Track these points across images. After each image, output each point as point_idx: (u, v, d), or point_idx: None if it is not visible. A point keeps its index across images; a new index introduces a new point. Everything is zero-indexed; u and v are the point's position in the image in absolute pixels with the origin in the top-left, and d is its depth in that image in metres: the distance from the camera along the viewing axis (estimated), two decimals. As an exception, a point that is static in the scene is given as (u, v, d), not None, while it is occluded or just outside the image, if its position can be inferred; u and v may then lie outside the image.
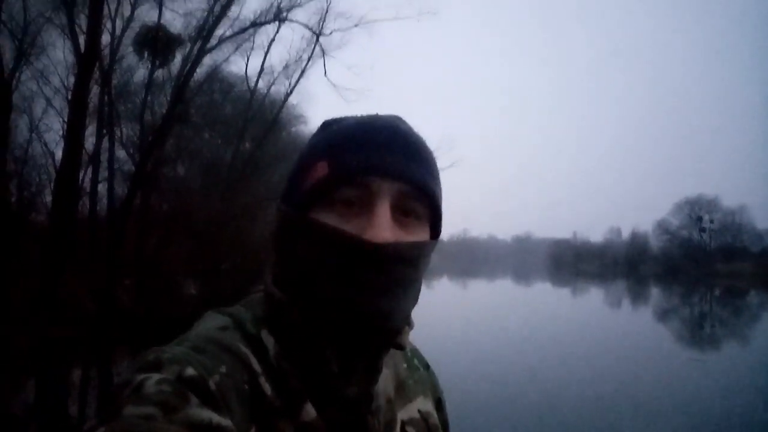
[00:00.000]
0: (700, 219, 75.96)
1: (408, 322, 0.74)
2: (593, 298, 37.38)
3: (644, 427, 7.29)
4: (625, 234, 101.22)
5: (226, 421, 0.54)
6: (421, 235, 0.72)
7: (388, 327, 0.68)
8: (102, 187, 18.30)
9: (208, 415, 0.53)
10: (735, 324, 23.03)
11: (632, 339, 16.04)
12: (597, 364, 11.63)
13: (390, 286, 0.66)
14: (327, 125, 0.76)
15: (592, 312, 26.40)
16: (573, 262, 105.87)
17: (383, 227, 0.65)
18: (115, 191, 18.01)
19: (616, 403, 8.47)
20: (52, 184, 15.15)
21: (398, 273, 0.67)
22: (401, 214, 0.69)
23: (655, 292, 43.83)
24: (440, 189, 0.75)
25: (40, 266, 12.05)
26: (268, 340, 0.68)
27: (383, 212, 0.66)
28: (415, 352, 0.92)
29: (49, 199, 15.55)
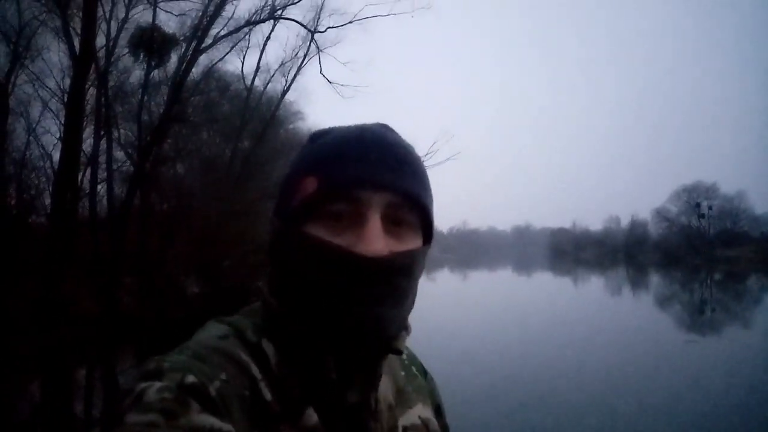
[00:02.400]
0: (698, 206, 75.80)
1: (405, 327, 0.75)
2: (593, 286, 37.40)
3: (643, 412, 7.33)
4: (624, 222, 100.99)
5: (227, 427, 0.56)
6: (414, 242, 0.72)
7: (384, 338, 0.69)
8: (101, 188, 18.32)
9: (209, 421, 0.55)
10: (735, 308, 23.10)
11: (633, 325, 16.08)
12: (597, 351, 11.68)
13: (385, 297, 0.67)
14: (314, 138, 0.76)
15: (592, 300, 26.45)
16: (573, 251, 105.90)
17: (375, 239, 0.65)
18: (114, 192, 17.98)
19: (616, 389, 8.51)
20: (51, 186, 15.17)
21: (393, 284, 0.67)
22: (392, 223, 0.69)
23: (655, 279, 43.85)
24: (431, 196, 0.75)
25: (41, 268, 12.07)
26: (269, 347, 0.69)
27: (374, 224, 0.66)
28: (413, 360, 0.92)
29: (48, 201, 15.57)
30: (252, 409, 0.62)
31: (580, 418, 7.12)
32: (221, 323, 0.73)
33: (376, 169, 0.68)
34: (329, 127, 0.77)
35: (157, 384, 0.56)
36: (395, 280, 0.68)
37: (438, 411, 0.90)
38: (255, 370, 0.65)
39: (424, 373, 0.93)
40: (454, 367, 9.69)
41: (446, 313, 18.72)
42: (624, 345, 12.72)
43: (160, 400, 0.55)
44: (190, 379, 0.58)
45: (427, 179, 0.75)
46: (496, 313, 19.72)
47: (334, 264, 0.65)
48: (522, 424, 6.92)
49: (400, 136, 0.76)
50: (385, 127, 0.76)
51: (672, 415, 7.32)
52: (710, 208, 75.32)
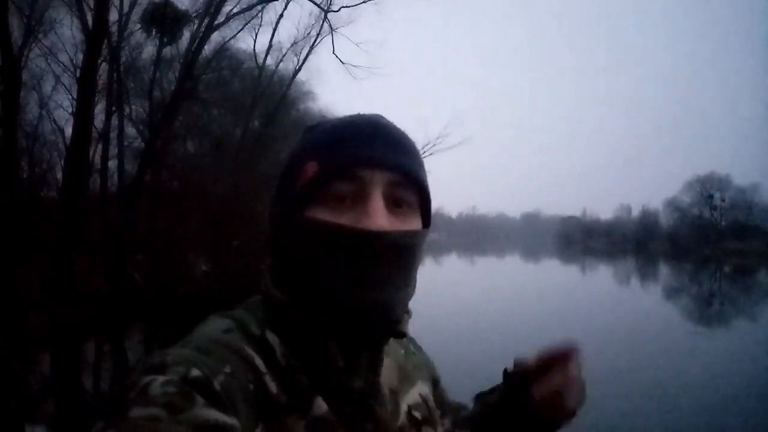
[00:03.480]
0: (711, 197, 75.34)
1: (407, 309, 0.75)
2: (602, 275, 37.33)
3: (647, 401, 7.32)
4: (635, 212, 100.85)
5: (231, 420, 0.55)
6: (415, 224, 0.73)
7: (390, 317, 0.69)
8: (112, 164, 18.41)
9: (213, 414, 0.54)
10: (744, 302, 22.96)
11: (640, 316, 16.04)
12: (604, 341, 11.66)
13: (390, 274, 0.67)
14: (310, 129, 0.77)
15: (600, 289, 26.39)
16: (582, 240, 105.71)
17: (378, 215, 0.66)
18: (125, 168, 18.10)
19: (620, 379, 8.51)
20: (63, 161, 15.23)
21: (396, 261, 0.67)
22: (393, 204, 0.70)
23: (664, 269, 43.70)
24: (427, 179, 0.76)
25: (52, 243, 12.15)
26: (273, 339, 0.69)
27: (377, 201, 0.67)
28: (410, 339, 0.93)
29: (59, 175, 15.66)
30: (257, 403, 0.62)
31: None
32: (224, 317, 0.72)
33: (374, 148, 0.69)
34: (326, 118, 0.80)
35: (161, 378, 0.56)
36: (400, 258, 0.68)
37: (435, 383, 0.93)
38: (259, 363, 0.65)
39: (419, 349, 0.96)
40: (458, 352, 9.72)
41: (452, 298, 18.76)
42: (630, 335, 12.68)
43: (164, 393, 0.54)
44: (194, 372, 0.57)
45: (423, 162, 0.76)
46: (501, 300, 19.71)
47: (338, 242, 0.66)
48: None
49: (393, 123, 0.76)
50: (378, 115, 0.76)
51: (675, 405, 7.31)
52: (723, 199, 74.86)
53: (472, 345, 10.82)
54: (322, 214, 0.68)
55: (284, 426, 0.62)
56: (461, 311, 15.66)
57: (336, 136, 0.71)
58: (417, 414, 0.80)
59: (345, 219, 0.67)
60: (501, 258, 59.22)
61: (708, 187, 76.00)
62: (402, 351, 0.87)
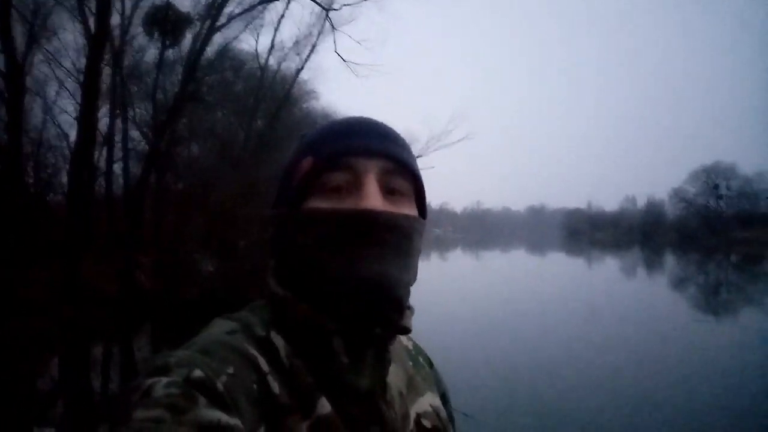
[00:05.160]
0: (716, 186, 74.98)
1: (409, 306, 0.76)
2: (608, 267, 37.20)
3: (653, 391, 7.33)
4: (641, 203, 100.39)
5: (234, 421, 0.56)
6: (410, 211, 0.74)
7: (391, 296, 0.69)
8: (117, 167, 18.50)
9: (216, 415, 0.55)
10: (752, 290, 22.88)
11: (647, 307, 16.02)
12: (611, 334, 11.66)
13: (389, 252, 0.68)
14: (304, 134, 0.81)
15: (607, 281, 26.32)
16: (588, 232, 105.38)
17: (373, 198, 0.69)
18: (130, 171, 18.16)
19: (625, 369, 8.52)
20: (68, 165, 15.32)
21: (394, 241, 0.69)
22: (388, 192, 0.72)
23: (670, 260, 43.51)
24: (419, 171, 0.78)
25: (59, 246, 12.23)
26: (278, 340, 0.70)
27: (372, 186, 0.70)
28: (419, 351, 0.94)
29: (65, 180, 15.75)
30: (260, 403, 0.62)
31: (588, 398, 7.14)
32: (228, 319, 0.73)
33: (366, 139, 0.72)
34: (317, 126, 0.82)
35: (164, 379, 0.57)
36: (395, 237, 0.69)
37: (444, 399, 0.91)
38: (263, 363, 0.66)
39: (430, 363, 0.95)
40: (464, 346, 9.74)
41: (457, 292, 18.76)
42: (637, 326, 12.67)
43: (167, 395, 0.55)
44: (197, 373, 0.58)
45: (414, 156, 0.79)
46: (507, 294, 19.70)
47: (336, 225, 0.68)
48: (532, 401, 6.94)
49: (386, 123, 0.79)
50: (370, 117, 0.79)
51: (684, 394, 7.32)
52: (728, 188, 74.49)
53: (479, 339, 10.84)
54: (321, 204, 0.70)
55: (287, 427, 0.62)
56: (467, 306, 15.67)
57: (329, 131, 0.75)
58: (426, 423, 0.79)
59: (342, 205, 0.69)
60: (506, 252, 59.02)
61: (713, 177, 75.66)
62: (410, 363, 0.87)
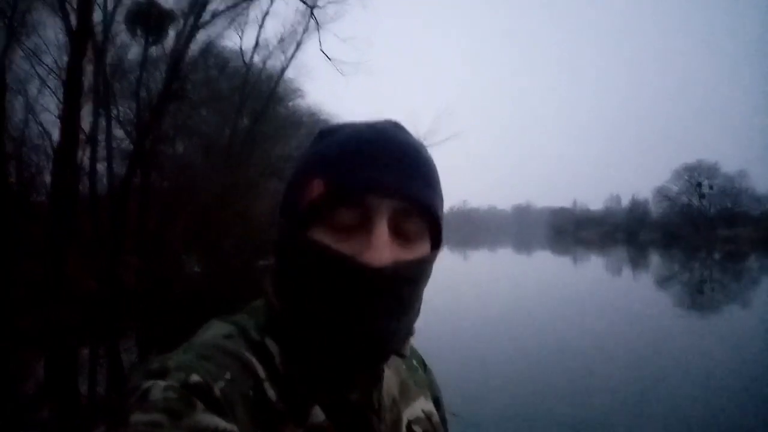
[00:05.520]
0: (699, 185, 75.94)
1: (409, 334, 0.74)
2: (594, 265, 37.54)
3: (639, 388, 7.38)
4: (625, 201, 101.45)
5: (231, 427, 0.55)
6: (421, 249, 0.70)
7: (383, 349, 0.68)
8: (101, 166, 18.28)
9: (213, 420, 0.54)
10: (735, 287, 23.19)
11: (632, 304, 16.15)
12: (596, 330, 11.74)
13: (390, 308, 0.66)
14: (322, 135, 0.74)
15: (591, 279, 26.54)
16: (573, 231, 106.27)
17: (381, 249, 0.64)
18: (114, 170, 17.96)
19: (613, 367, 8.57)
20: (51, 165, 15.10)
21: (397, 294, 0.66)
22: (400, 230, 0.67)
23: (655, 258, 44.00)
24: (441, 199, 0.73)
25: (42, 247, 12.08)
26: (273, 346, 0.68)
27: (381, 232, 0.65)
28: (413, 353, 0.92)
29: (48, 179, 15.53)
30: (256, 409, 0.61)
31: (575, 395, 7.17)
32: (225, 322, 0.72)
33: (384, 174, 0.66)
34: (338, 124, 0.75)
35: (162, 383, 0.56)
36: (400, 290, 0.66)
37: (437, 403, 0.91)
38: (260, 369, 0.65)
39: (424, 366, 0.94)
40: (450, 345, 9.75)
41: (445, 291, 18.80)
42: (622, 323, 12.78)
43: (164, 399, 0.54)
44: (195, 378, 0.57)
45: (438, 182, 0.73)
46: (494, 293, 19.79)
47: (337, 272, 0.65)
48: (518, 400, 6.96)
49: (411, 135, 0.73)
50: (396, 126, 0.73)
51: (671, 391, 7.37)
52: (711, 187, 75.48)
53: (466, 338, 10.86)
54: (325, 238, 0.66)
55: None
56: (455, 305, 15.69)
57: (346, 154, 0.67)
58: (417, 429, 0.79)
59: (347, 246, 0.65)
60: (493, 251, 59.40)
61: (696, 175, 76.63)
62: (404, 366, 0.86)
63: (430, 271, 0.73)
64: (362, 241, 0.65)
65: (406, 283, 0.67)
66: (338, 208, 0.66)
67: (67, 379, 8.31)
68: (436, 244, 0.74)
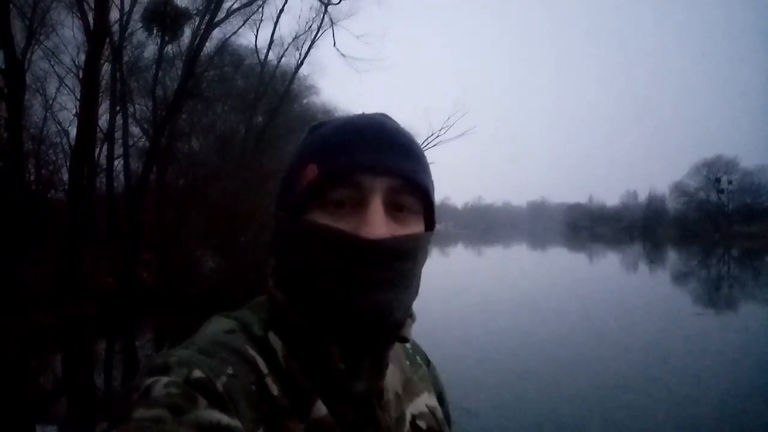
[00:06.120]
0: (718, 180, 74.91)
1: (410, 315, 0.75)
2: (610, 262, 37.18)
3: (655, 387, 7.32)
4: (642, 197, 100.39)
5: (234, 422, 0.56)
6: (416, 227, 0.72)
7: (390, 323, 0.69)
8: (118, 164, 18.49)
9: (216, 416, 0.55)
10: (753, 285, 22.86)
11: (649, 301, 16.00)
12: (611, 327, 11.65)
13: (389, 281, 0.67)
14: (313, 129, 0.77)
15: (608, 276, 26.30)
16: (589, 227, 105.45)
17: (377, 223, 0.66)
18: (130, 167, 18.16)
19: (629, 363, 8.51)
20: (69, 162, 15.30)
21: (396, 267, 0.67)
22: (394, 208, 0.70)
23: (672, 254, 43.47)
24: (431, 181, 0.75)
25: (60, 243, 12.23)
26: (276, 341, 0.69)
27: (376, 208, 0.67)
28: (417, 349, 0.93)
29: (66, 176, 15.74)
30: (259, 404, 0.62)
31: (588, 392, 7.13)
32: (227, 318, 0.73)
33: (376, 154, 0.68)
34: (327, 119, 0.78)
35: (164, 379, 0.56)
36: (398, 263, 0.68)
37: (440, 398, 0.92)
38: (262, 364, 0.66)
39: (427, 362, 0.95)
40: (464, 341, 9.74)
41: (459, 287, 18.75)
42: (638, 320, 12.66)
43: (166, 395, 0.54)
44: (197, 374, 0.58)
45: (427, 164, 0.75)
46: (509, 290, 19.70)
47: (336, 248, 0.66)
48: (533, 396, 6.94)
49: (399, 124, 0.76)
50: (384, 115, 0.76)
51: (685, 390, 7.31)
52: (730, 182, 74.41)
53: (480, 335, 10.83)
54: (323, 218, 0.68)
55: (284, 429, 0.63)
56: (468, 301, 15.66)
57: (337, 139, 0.70)
58: (422, 424, 0.80)
59: (344, 224, 0.67)
60: (508, 247, 59.05)
61: (715, 171, 75.63)
62: (407, 362, 0.87)
63: (427, 252, 0.75)
64: (358, 219, 0.67)
65: (403, 257, 0.68)
66: (333, 188, 0.68)
67: (83, 374, 8.43)
68: (430, 227, 0.76)
